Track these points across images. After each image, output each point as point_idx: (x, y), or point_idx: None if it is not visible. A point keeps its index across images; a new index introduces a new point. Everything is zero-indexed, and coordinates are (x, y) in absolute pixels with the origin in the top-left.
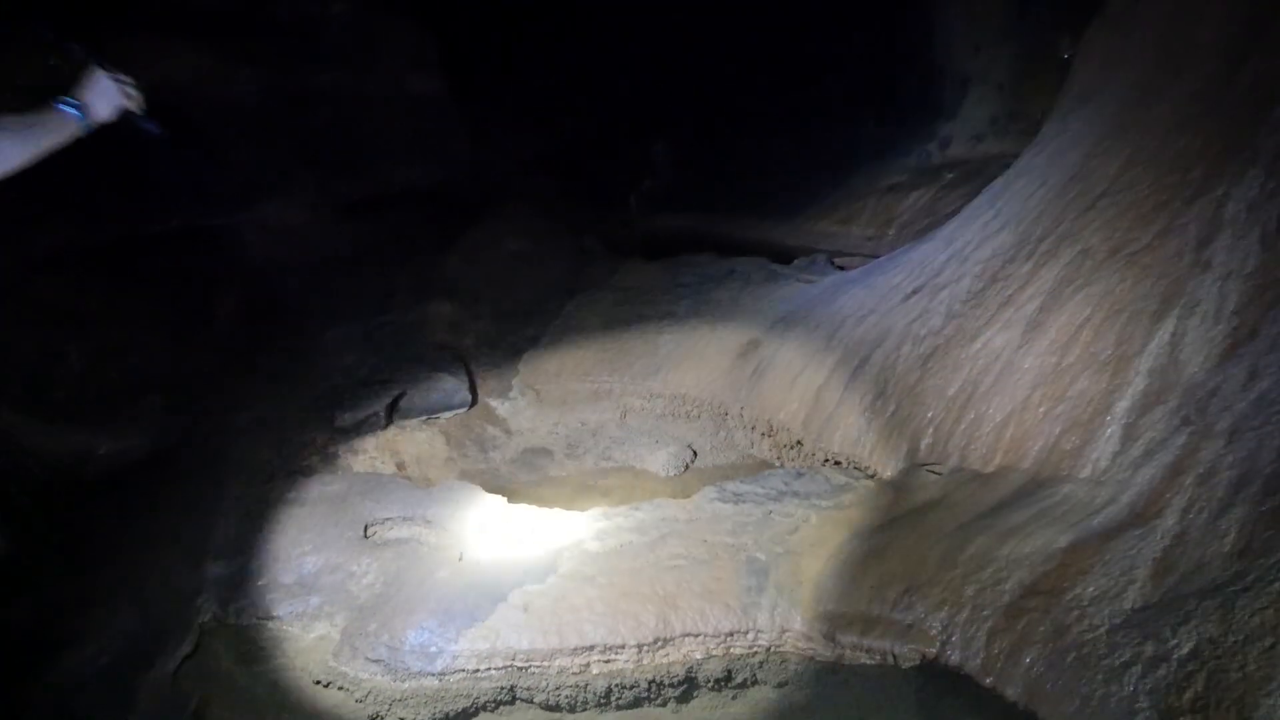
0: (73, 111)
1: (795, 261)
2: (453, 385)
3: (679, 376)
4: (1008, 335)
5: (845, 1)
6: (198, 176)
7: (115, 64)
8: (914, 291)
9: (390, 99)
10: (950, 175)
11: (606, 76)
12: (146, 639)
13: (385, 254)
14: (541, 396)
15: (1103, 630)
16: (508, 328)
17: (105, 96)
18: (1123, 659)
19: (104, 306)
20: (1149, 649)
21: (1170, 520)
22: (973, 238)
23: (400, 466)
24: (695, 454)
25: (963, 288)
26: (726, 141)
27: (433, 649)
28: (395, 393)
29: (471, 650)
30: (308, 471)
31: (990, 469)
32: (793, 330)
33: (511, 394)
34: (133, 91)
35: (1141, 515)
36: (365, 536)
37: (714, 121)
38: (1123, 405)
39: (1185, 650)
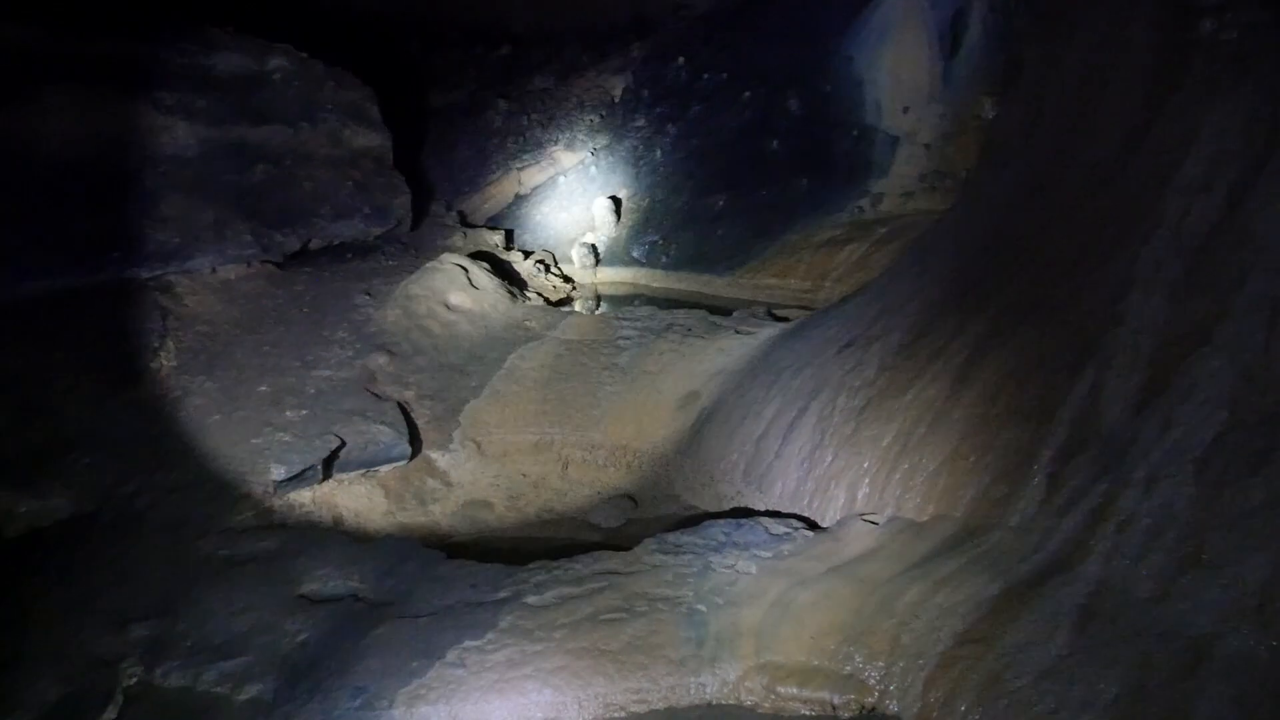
0: None
1: (735, 313)
2: (391, 437)
3: (620, 428)
4: (938, 387)
5: (780, 63)
6: (130, 228)
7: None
8: (848, 344)
9: (330, 153)
10: (883, 230)
11: (550, 137)
12: (67, 706)
13: (323, 307)
14: (482, 448)
15: (1032, 676)
16: (448, 380)
17: None
18: (1051, 705)
19: (27, 363)
20: (1076, 694)
21: (1093, 567)
22: (903, 292)
23: (337, 521)
24: (636, 504)
25: (894, 340)
26: (667, 197)
27: (368, 711)
28: (333, 445)
29: (408, 711)
30: (240, 528)
31: (924, 517)
32: (732, 381)
33: (452, 446)
34: None
35: (1066, 563)
36: (299, 594)
37: (654, 177)
38: (1047, 454)
39: (1110, 695)
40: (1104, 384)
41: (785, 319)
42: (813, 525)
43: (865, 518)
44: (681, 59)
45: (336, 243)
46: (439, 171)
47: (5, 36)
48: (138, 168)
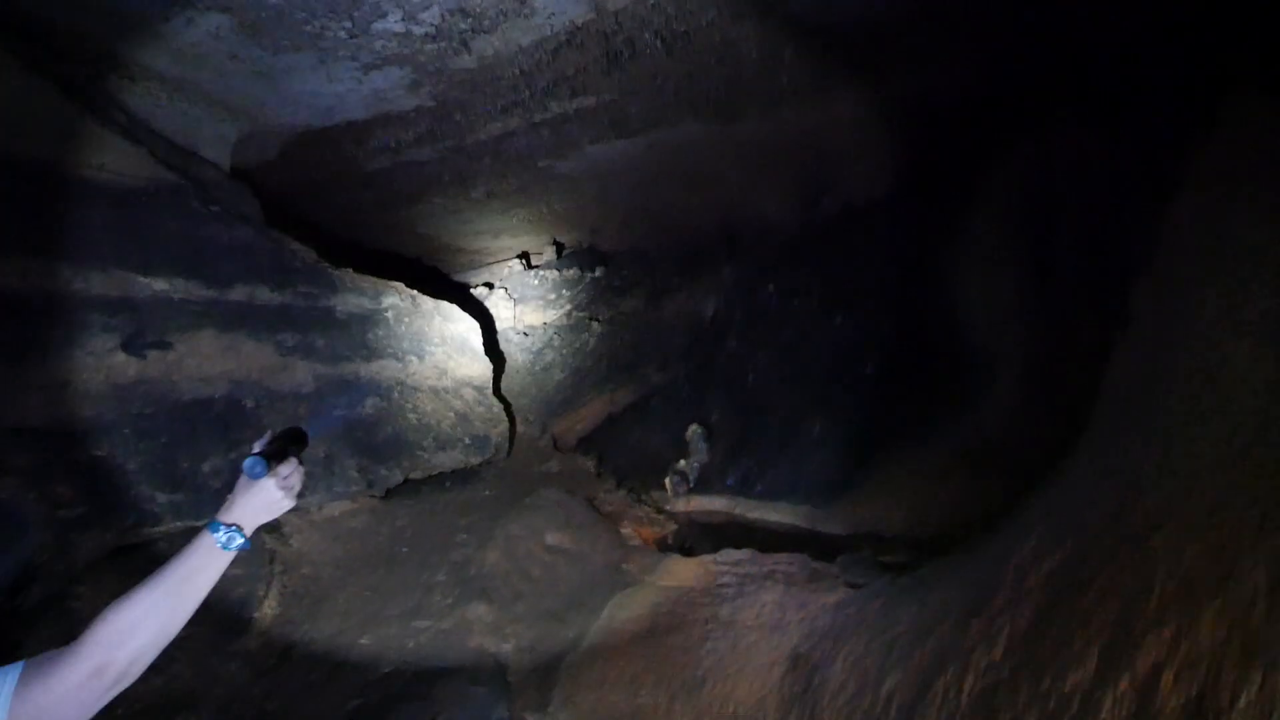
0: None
1: (839, 559)
2: (490, 701)
3: (725, 691)
4: (1079, 675)
5: (870, 285)
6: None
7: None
8: (970, 615)
9: (436, 384)
10: (991, 461)
11: (642, 359)
12: None
13: (424, 546)
14: (583, 711)
15: None
16: (547, 630)
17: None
18: None
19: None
20: None
21: None
22: (1027, 558)
23: None
24: None
25: (1023, 615)
26: (760, 421)
27: None
28: (431, 712)
29: None
30: None
31: None
32: (844, 645)
33: (551, 708)
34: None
35: None
36: None
37: (747, 401)
38: None
39: None
40: (1276, 691)
41: (894, 563)
42: None
43: None
44: (772, 283)
45: (439, 473)
46: (534, 393)
47: (151, 289)
48: (258, 406)
